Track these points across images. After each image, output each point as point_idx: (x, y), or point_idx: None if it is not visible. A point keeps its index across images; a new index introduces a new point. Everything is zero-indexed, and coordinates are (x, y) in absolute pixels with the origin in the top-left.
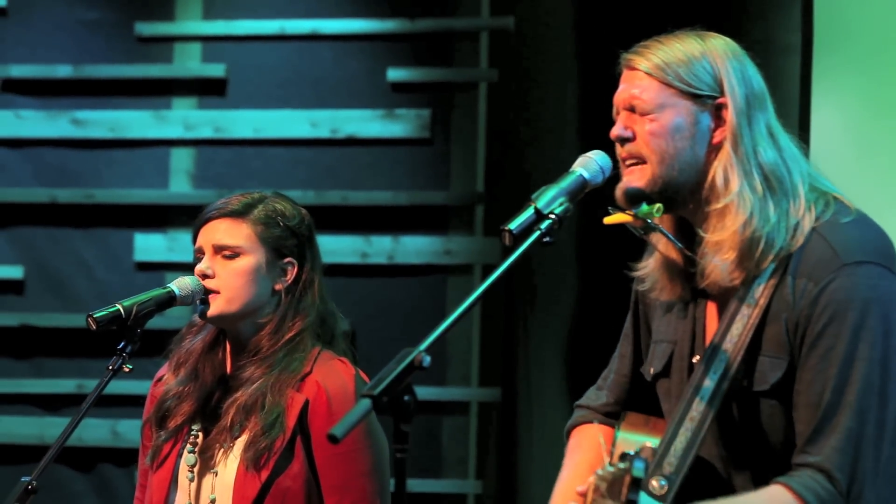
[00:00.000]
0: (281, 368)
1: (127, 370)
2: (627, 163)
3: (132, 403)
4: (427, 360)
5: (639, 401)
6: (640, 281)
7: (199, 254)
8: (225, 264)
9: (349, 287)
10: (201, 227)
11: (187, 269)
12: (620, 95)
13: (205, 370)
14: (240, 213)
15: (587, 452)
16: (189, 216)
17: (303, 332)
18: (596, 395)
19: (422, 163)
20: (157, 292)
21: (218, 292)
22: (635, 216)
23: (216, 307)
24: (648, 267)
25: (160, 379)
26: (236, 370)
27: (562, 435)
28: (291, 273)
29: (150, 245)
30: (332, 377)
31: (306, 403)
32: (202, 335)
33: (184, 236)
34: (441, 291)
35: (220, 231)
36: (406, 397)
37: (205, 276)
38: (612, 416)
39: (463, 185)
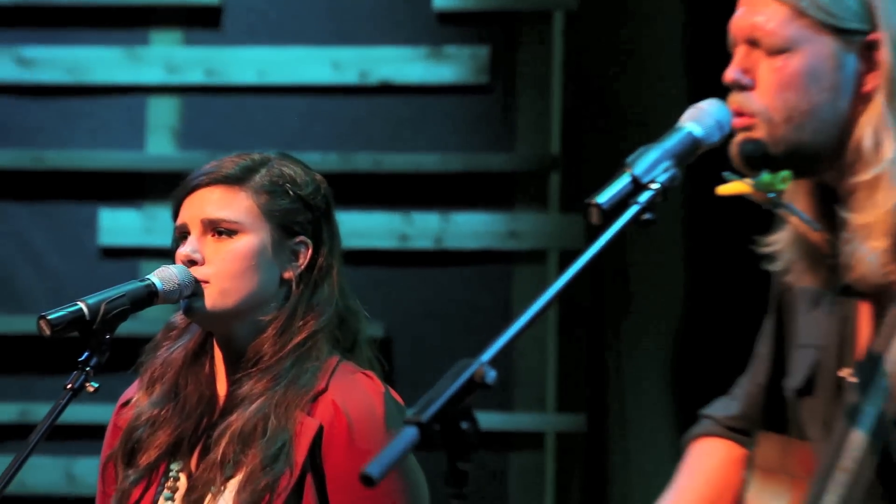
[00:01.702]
0: (288, 383)
1: (91, 390)
2: (743, 118)
3: (95, 436)
4: (491, 375)
5: (777, 414)
6: (772, 261)
7: (182, 232)
8: (218, 246)
9: (382, 279)
10: (186, 197)
11: (169, 256)
12: (739, 23)
13: (187, 387)
14: (237, 179)
15: (698, 478)
16: (171, 185)
17: (316, 334)
18: (725, 404)
19: (478, 116)
20: (131, 286)
21: (208, 282)
22: (755, 187)
23: (207, 301)
24: (781, 242)
25: (126, 403)
26: (230, 386)
27: (669, 470)
28: (304, 257)
29: (119, 224)
30: (355, 396)
31: (320, 430)
32: (183, 341)
33: (164, 212)
34: (505, 285)
35: (211, 202)
36: (464, 425)
37: (191, 262)
38: (739, 433)
39: (532, 146)
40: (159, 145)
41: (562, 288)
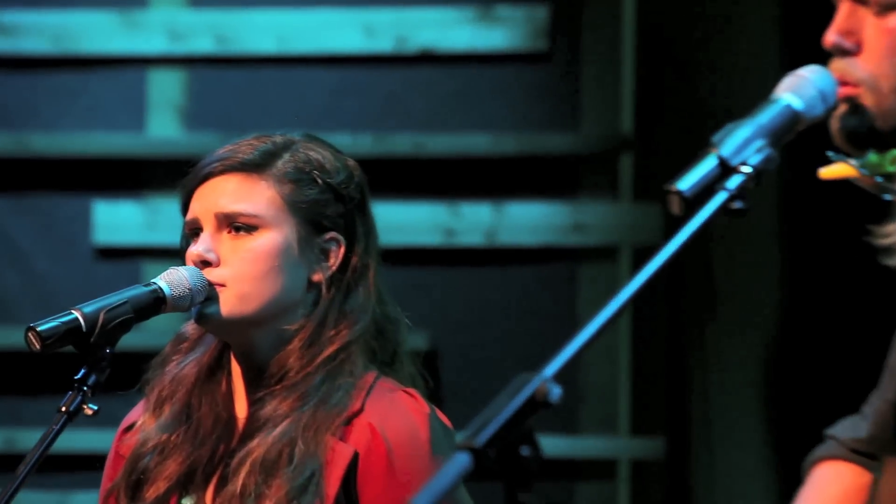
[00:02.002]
0: (317, 403)
1: (89, 413)
2: (845, 87)
3: (94, 466)
4: (555, 392)
5: None
6: (892, 255)
7: (192, 229)
8: (235, 244)
9: (425, 281)
10: (196, 187)
11: (177, 256)
12: None
13: (201, 408)
14: (257, 166)
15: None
16: (177, 174)
17: (350, 346)
18: (853, 425)
19: (536, 89)
20: (134, 291)
21: (224, 286)
22: (861, 169)
23: (223, 308)
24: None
25: (130, 427)
26: (250, 407)
27: (764, 501)
28: (336, 256)
29: (117, 219)
30: (395, 418)
31: (355, 458)
32: (195, 355)
33: (169, 205)
34: (569, 288)
35: (226, 193)
36: (524, 451)
37: (204, 263)
38: (867, 457)
39: (600, 123)
40: (162, 126)
41: (636, 290)
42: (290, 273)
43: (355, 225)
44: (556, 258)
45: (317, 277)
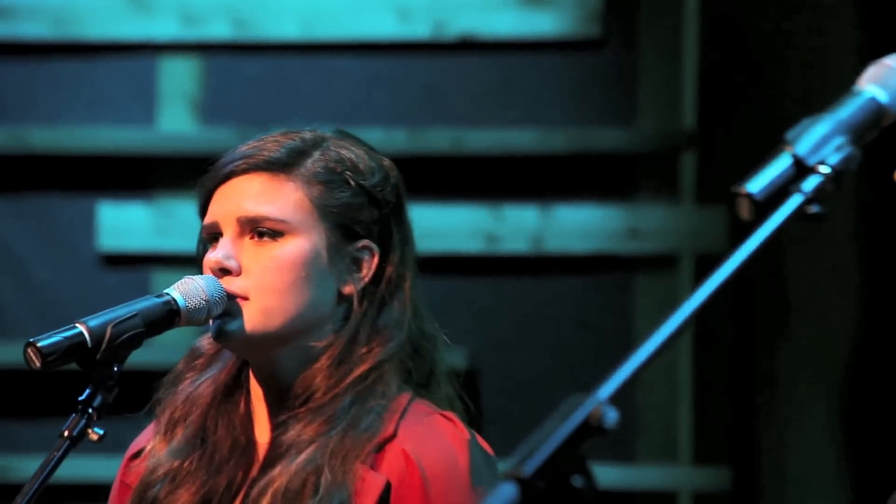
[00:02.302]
0: (346, 427)
1: (95, 438)
2: None
3: (99, 496)
4: (610, 417)
5: None
6: None
7: (211, 233)
8: (258, 251)
9: (465, 293)
10: (217, 187)
11: (193, 264)
12: None
13: (217, 432)
14: (284, 165)
15: None
16: (191, 172)
17: (382, 365)
18: None
19: (588, 80)
20: (145, 303)
21: (247, 298)
22: None
23: (245, 323)
24: None
25: (138, 454)
26: (272, 431)
27: None
28: (369, 266)
29: (125, 223)
30: (432, 444)
31: (387, 488)
32: (211, 373)
33: (183, 207)
34: (624, 300)
35: (250, 195)
36: (576, 481)
37: (223, 272)
38: None
39: (659, 118)
40: (174, 120)
41: (700, 304)
42: (319, 284)
43: (390, 232)
44: (609, 267)
45: (348, 290)
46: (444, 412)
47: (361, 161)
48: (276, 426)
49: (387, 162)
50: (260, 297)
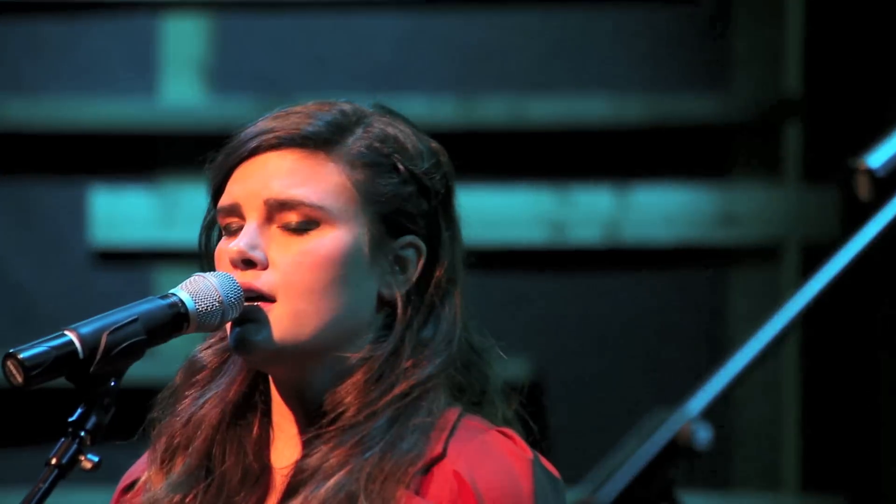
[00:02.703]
0: (384, 447)
1: (88, 467)
2: None
3: None
4: (703, 437)
5: None
6: None
7: (229, 218)
8: (289, 242)
9: (526, 290)
10: (238, 164)
11: (200, 259)
12: None
13: (226, 461)
14: (324, 141)
15: None
16: (199, 151)
17: (430, 380)
18: None
19: (673, 39)
20: (147, 306)
21: (273, 300)
22: None
23: (274, 330)
24: None
25: (131, 486)
26: (295, 454)
27: None
28: (415, 267)
29: (122, 212)
30: (489, 465)
31: None
32: (216, 389)
33: (190, 192)
34: (717, 298)
35: (282, 173)
36: None
37: (248, 265)
38: None
39: (759, 83)
40: (180, 90)
41: (809, 303)
42: (358, 286)
43: (439, 228)
44: (698, 260)
45: (390, 294)
46: (501, 428)
47: (410, 142)
48: (300, 451)
49: (435, 144)
50: (290, 299)
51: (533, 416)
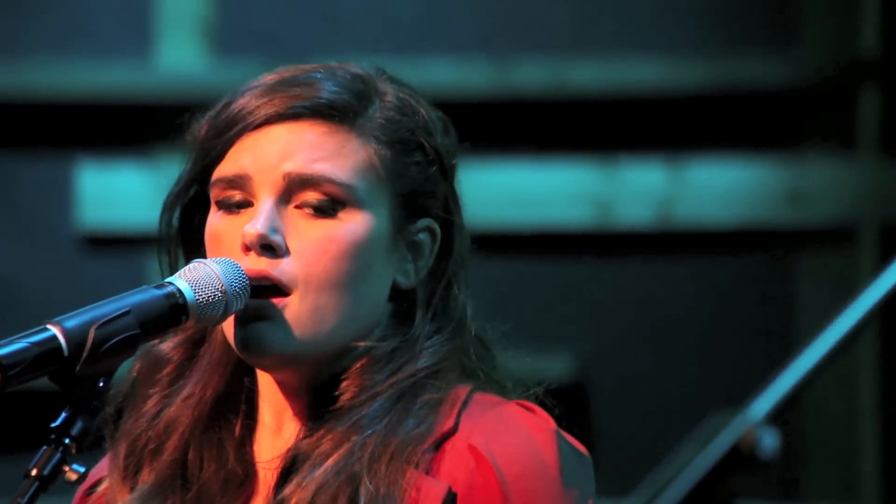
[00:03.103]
0: (389, 426)
1: (74, 478)
2: None
3: None
4: (768, 444)
5: None
6: None
7: (230, 191)
8: (310, 226)
9: (569, 276)
10: (244, 133)
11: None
12: None
13: (203, 467)
14: (350, 112)
15: None
16: (197, 120)
17: (440, 362)
18: None
19: None
20: (140, 296)
21: (288, 292)
22: None
23: (294, 327)
24: None
25: (94, 487)
26: (284, 445)
27: None
28: (430, 252)
29: (113, 191)
30: (508, 437)
31: (451, 497)
32: (190, 387)
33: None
34: (783, 286)
35: (303, 146)
36: None
37: (266, 251)
38: None
39: (831, 44)
40: (179, 53)
41: (889, 290)
42: (379, 276)
43: (450, 208)
44: (763, 243)
45: (406, 282)
46: (519, 401)
47: (425, 113)
48: (293, 442)
49: (441, 113)
50: (309, 293)
51: (577, 419)
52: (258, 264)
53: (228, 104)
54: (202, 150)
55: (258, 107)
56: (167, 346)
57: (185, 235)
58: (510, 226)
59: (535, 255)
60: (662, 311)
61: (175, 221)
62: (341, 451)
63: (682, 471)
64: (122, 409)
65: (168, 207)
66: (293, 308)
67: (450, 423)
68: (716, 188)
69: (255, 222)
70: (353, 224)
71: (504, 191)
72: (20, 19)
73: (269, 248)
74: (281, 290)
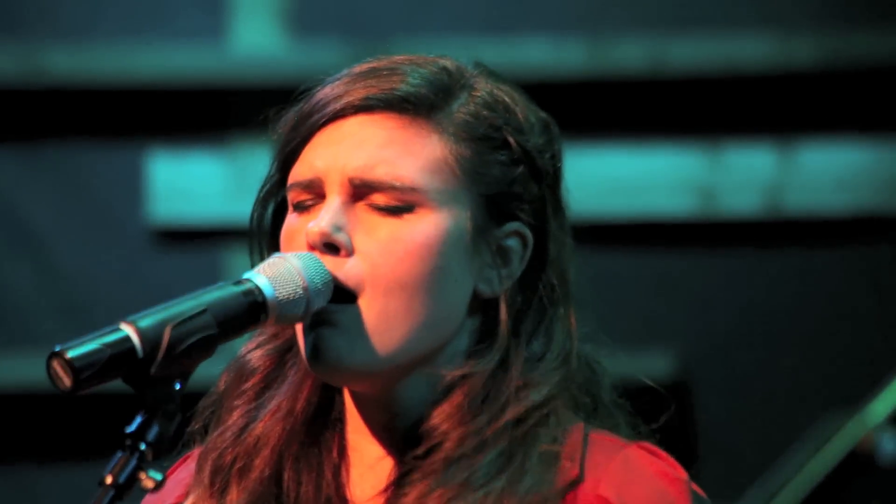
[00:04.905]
0: (504, 485)
1: (150, 486)
2: None
3: None
4: (891, 448)
5: None
6: None
7: (304, 195)
8: (379, 225)
9: (671, 269)
10: (319, 129)
11: (275, 238)
12: None
13: (300, 489)
14: (428, 107)
15: None
16: (280, 110)
17: (550, 402)
18: None
19: None
20: (217, 293)
21: (356, 296)
22: None
23: (357, 337)
24: None
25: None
26: (383, 490)
27: None
28: (520, 260)
29: (187, 182)
30: (640, 487)
31: None
32: (277, 400)
33: (268, 159)
34: None
35: (370, 145)
36: None
37: (330, 249)
38: None
39: None
40: (255, 35)
41: None
42: (456, 282)
43: (546, 216)
44: (879, 231)
45: (490, 291)
46: (639, 443)
47: (521, 111)
48: (388, 484)
49: (545, 115)
50: (377, 295)
51: (680, 418)
52: (327, 263)
53: (305, 97)
54: (280, 145)
55: (333, 99)
56: (254, 355)
57: (275, 232)
58: (608, 215)
59: (634, 246)
60: (771, 305)
61: (268, 219)
62: None
63: (795, 477)
64: (208, 424)
65: (260, 203)
66: (360, 313)
67: (574, 472)
68: (829, 173)
69: (320, 220)
70: (424, 224)
71: (601, 178)
72: (90, 1)
73: (332, 247)
74: (348, 293)
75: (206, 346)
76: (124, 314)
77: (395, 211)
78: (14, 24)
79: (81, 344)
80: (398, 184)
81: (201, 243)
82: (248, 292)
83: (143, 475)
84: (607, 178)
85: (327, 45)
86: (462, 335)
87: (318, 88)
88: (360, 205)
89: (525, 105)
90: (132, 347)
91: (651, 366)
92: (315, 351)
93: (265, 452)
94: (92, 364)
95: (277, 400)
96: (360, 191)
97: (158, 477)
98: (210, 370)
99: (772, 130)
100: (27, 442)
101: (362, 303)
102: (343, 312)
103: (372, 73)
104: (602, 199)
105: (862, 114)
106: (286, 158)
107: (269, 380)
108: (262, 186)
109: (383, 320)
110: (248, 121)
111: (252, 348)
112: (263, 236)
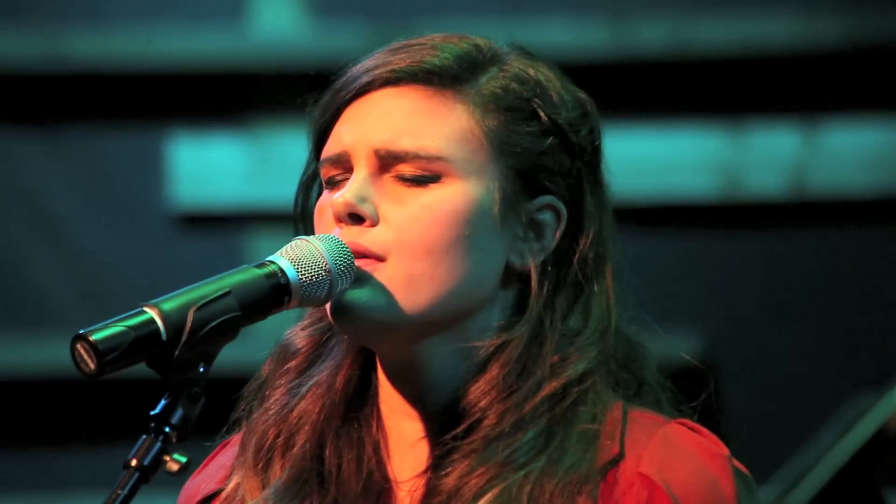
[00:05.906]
0: (547, 464)
1: (175, 469)
2: None
3: None
4: None
5: None
6: None
7: (333, 170)
8: (405, 195)
9: (695, 251)
10: (347, 104)
11: (299, 221)
12: None
13: (342, 465)
14: (453, 78)
15: None
16: (302, 93)
17: (587, 377)
18: None
19: None
20: (240, 276)
21: (383, 259)
22: None
23: (380, 295)
24: None
25: (210, 499)
26: (423, 469)
27: None
28: (553, 233)
29: (209, 165)
30: (681, 465)
31: None
32: (317, 377)
33: (290, 142)
34: None
35: (398, 115)
36: None
37: (355, 219)
38: None
39: None
40: (277, 17)
41: None
42: (484, 251)
43: (582, 191)
44: None
45: (521, 263)
46: (681, 420)
47: (553, 87)
48: (428, 463)
49: (583, 95)
50: (403, 259)
51: (705, 404)
52: (349, 235)
53: (335, 79)
54: (314, 128)
55: (362, 74)
56: (297, 336)
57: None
58: (631, 197)
59: (657, 227)
60: (796, 287)
61: (312, 203)
62: (495, 490)
63: (823, 457)
64: (252, 408)
65: (303, 189)
66: (386, 272)
67: (615, 449)
68: (854, 153)
69: (345, 191)
70: (451, 193)
71: (624, 159)
72: None
73: (357, 217)
74: (373, 257)
75: (229, 329)
76: (147, 298)
77: (421, 181)
78: (35, 9)
79: (105, 327)
80: (423, 153)
81: (223, 227)
82: (272, 274)
83: (167, 458)
84: (631, 160)
85: (349, 28)
86: (494, 308)
87: (348, 68)
88: (387, 177)
89: (560, 83)
90: (156, 330)
91: (675, 348)
92: (338, 304)
93: (306, 428)
94: (116, 347)
95: (318, 377)
96: (386, 162)
97: (183, 460)
98: (253, 356)
99: (796, 110)
100: (52, 426)
101: (389, 266)
102: (370, 273)
103: (402, 49)
104: (625, 181)
105: (887, 93)
106: (319, 138)
107: (312, 359)
108: (304, 172)
109: (408, 281)
110: (269, 104)
111: (297, 329)
112: (308, 221)
